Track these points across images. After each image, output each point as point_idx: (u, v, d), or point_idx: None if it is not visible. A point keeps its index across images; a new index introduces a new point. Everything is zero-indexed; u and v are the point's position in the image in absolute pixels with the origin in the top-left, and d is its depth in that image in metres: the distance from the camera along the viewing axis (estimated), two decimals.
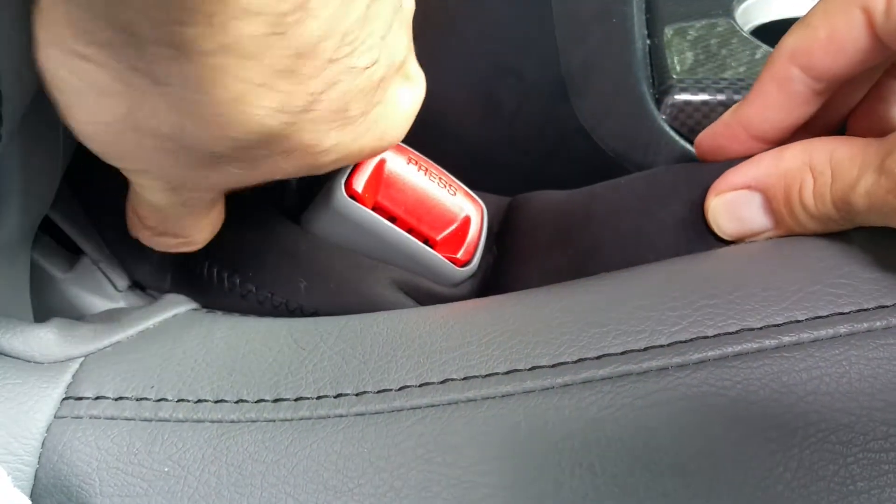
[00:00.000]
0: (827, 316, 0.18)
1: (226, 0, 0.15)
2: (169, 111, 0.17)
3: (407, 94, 0.22)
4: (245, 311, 0.25)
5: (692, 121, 0.31)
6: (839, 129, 0.25)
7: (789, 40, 0.22)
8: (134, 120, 0.18)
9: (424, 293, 0.26)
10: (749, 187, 0.22)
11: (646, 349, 0.18)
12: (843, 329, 0.18)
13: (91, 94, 0.17)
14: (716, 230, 0.23)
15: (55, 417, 0.20)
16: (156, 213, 0.23)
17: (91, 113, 0.18)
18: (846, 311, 0.18)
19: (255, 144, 0.18)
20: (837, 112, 0.24)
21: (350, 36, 0.18)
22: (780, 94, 0.23)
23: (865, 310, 0.18)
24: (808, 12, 0.22)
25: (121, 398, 0.20)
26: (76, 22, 0.16)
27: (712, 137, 0.25)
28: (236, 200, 0.25)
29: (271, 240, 0.25)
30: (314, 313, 0.24)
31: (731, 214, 0.22)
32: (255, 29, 0.16)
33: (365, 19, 0.18)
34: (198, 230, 0.23)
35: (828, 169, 0.20)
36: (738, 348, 0.18)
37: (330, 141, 0.20)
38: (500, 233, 0.29)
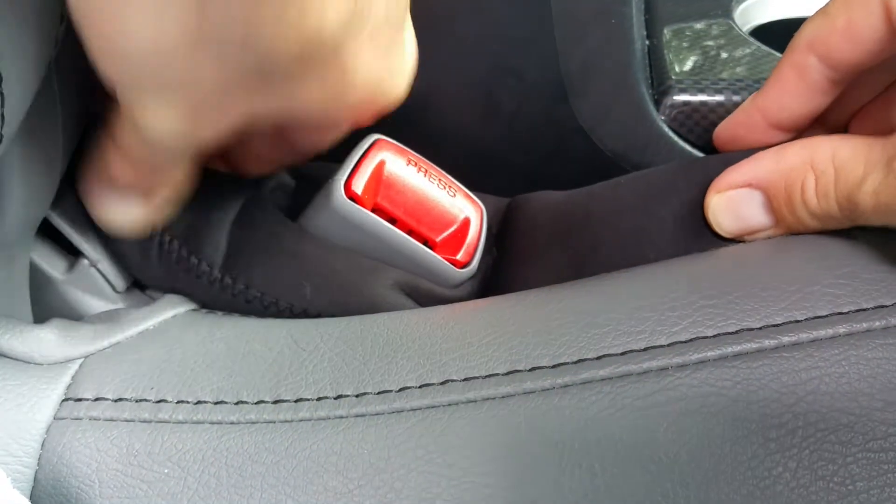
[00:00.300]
0: (826, 316, 0.18)
1: None
2: (243, 8, 0.17)
3: (410, 42, 0.23)
4: (249, 314, 0.25)
5: (691, 121, 0.31)
6: (845, 128, 0.25)
7: (808, 29, 0.22)
8: (202, 17, 0.17)
9: (425, 294, 0.26)
10: (750, 185, 0.22)
11: (646, 349, 0.18)
12: (842, 329, 0.18)
13: (159, 6, 0.17)
14: (716, 228, 0.23)
15: (54, 419, 0.20)
16: (136, 164, 0.22)
17: (154, 14, 0.17)
18: (845, 310, 0.18)
19: (312, 55, 0.18)
20: (848, 109, 0.24)
21: None
22: (797, 83, 0.23)
23: (864, 310, 0.18)
24: (829, 2, 0.22)
25: (120, 399, 0.20)
26: None
27: (732, 127, 0.25)
28: (237, 203, 0.25)
29: (273, 241, 0.25)
30: (317, 316, 0.24)
31: (731, 212, 0.23)
32: None
33: None
34: (172, 181, 0.22)
35: (830, 167, 0.20)
36: (737, 348, 0.18)
37: (361, 66, 0.20)
38: (500, 233, 0.29)
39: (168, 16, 0.17)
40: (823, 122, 0.24)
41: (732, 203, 0.22)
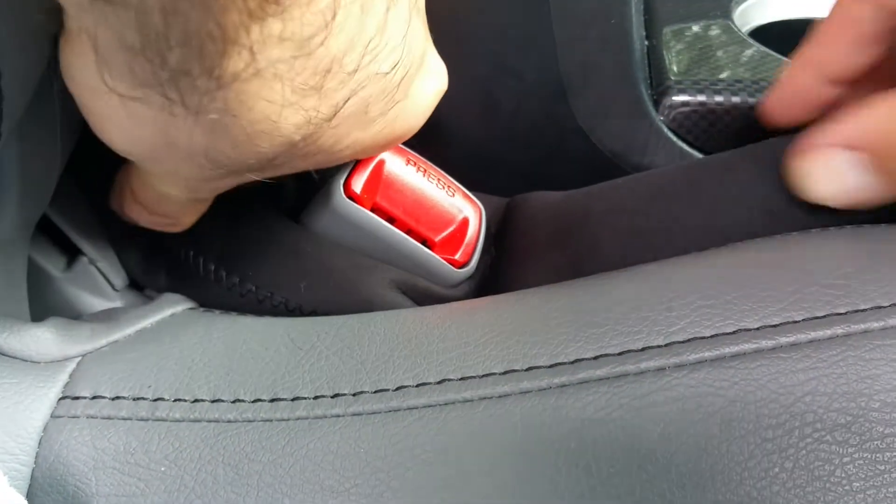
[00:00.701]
0: (823, 317, 0.18)
1: (263, 30, 0.15)
2: (203, 134, 0.18)
3: (429, 86, 0.23)
4: (243, 309, 0.25)
5: (690, 122, 0.31)
6: None
7: None
8: (169, 141, 0.18)
9: (423, 294, 0.26)
10: (850, 146, 0.20)
11: (643, 349, 0.18)
12: (839, 330, 0.18)
13: (128, 123, 0.18)
14: (811, 196, 0.20)
15: (52, 417, 0.20)
16: (158, 200, 0.23)
17: (127, 136, 0.19)
18: (842, 311, 0.18)
19: (280, 155, 0.19)
20: None
21: (371, 44, 0.18)
22: (851, 31, 0.21)
23: (862, 310, 0.18)
24: None
25: (118, 398, 0.20)
26: (116, 65, 0.16)
27: (780, 93, 0.23)
28: (236, 200, 0.25)
29: (270, 238, 0.25)
30: (313, 312, 0.24)
31: (831, 177, 0.20)
32: (283, 53, 0.16)
33: (384, 25, 0.18)
34: (191, 215, 0.24)
35: None
36: (735, 349, 0.18)
37: (349, 140, 0.20)
38: (499, 233, 0.29)
39: (138, 135, 0.18)
40: (875, 80, 0.22)
41: (831, 167, 0.20)
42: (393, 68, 0.19)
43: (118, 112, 0.18)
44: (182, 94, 0.16)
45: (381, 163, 0.25)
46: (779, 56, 0.36)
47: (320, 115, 0.18)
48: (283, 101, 0.17)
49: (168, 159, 0.19)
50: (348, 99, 0.19)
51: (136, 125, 0.18)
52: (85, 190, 0.26)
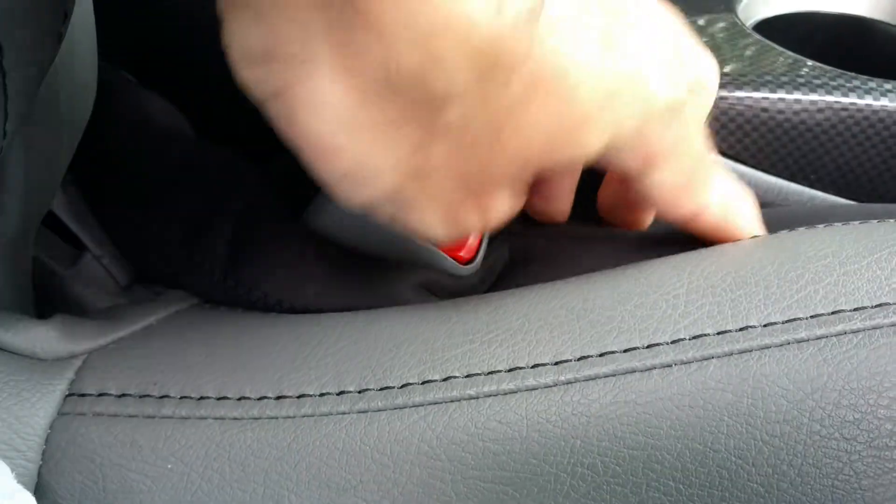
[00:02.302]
0: (830, 314, 0.18)
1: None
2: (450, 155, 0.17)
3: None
4: (249, 308, 0.25)
5: None
6: None
7: None
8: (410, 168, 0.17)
9: (440, 292, 0.26)
10: None
11: (649, 346, 0.18)
12: (847, 327, 0.18)
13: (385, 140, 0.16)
14: None
15: (58, 414, 0.20)
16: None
17: (365, 188, 0.17)
18: (848, 308, 0.18)
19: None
20: None
21: None
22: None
23: (868, 308, 0.18)
24: None
25: (124, 395, 0.20)
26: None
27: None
28: (239, 201, 0.25)
29: (277, 242, 0.25)
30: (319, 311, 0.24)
31: None
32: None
33: None
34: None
35: None
36: (742, 345, 0.18)
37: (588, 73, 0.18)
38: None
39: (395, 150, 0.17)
40: None
41: None
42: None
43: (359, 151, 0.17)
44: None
45: None
46: (783, 49, 0.36)
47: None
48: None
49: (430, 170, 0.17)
50: None
51: (378, 170, 0.17)
52: (89, 187, 0.26)
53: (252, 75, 0.16)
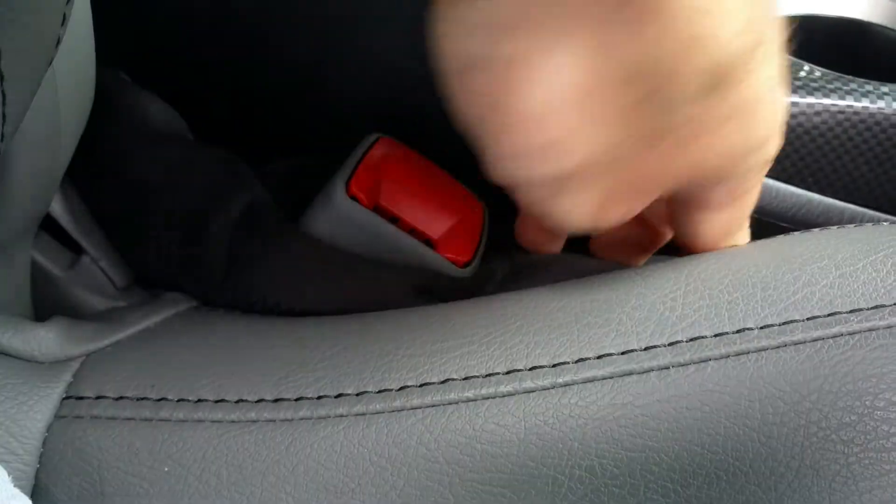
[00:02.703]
0: (826, 315, 0.18)
1: None
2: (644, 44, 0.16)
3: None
4: (247, 311, 0.25)
5: None
6: None
7: None
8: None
9: (436, 294, 0.26)
10: None
11: (646, 349, 0.18)
12: (844, 328, 0.18)
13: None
14: None
15: (56, 417, 0.20)
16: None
17: (550, 163, 0.18)
18: (844, 310, 0.18)
19: (720, 79, 0.17)
20: None
21: None
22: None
23: (864, 309, 0.18)
24: None
25: (121, 398, 0.20)
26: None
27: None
28: (238, 204, 0.25)
29: (274, 245, 0.25)
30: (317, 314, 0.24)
31: None
32: None
33: None
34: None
35: None
36: (739, 348, 0.18)
37: (767, 97, 0.19)
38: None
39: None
40: None
41: None
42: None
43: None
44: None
45: (383, 162, 0.25)
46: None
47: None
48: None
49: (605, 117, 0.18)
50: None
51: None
52: (87, 190, 0.26)
53: (476, 37, 0.17)
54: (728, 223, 0.22)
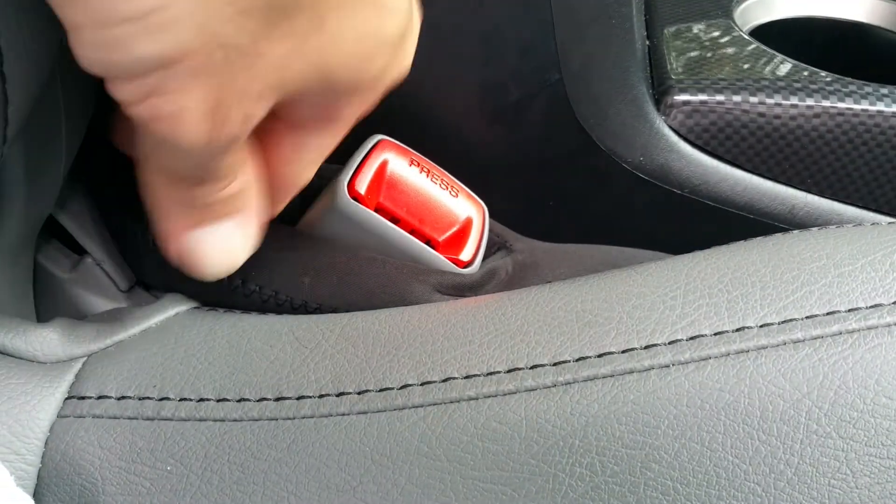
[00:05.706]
0: (826, 314, 0.18)
1: None
2: None
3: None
4: (246, 306, 0.25)
5: (691, 121, 0.31)
6: None
7: None
8: None
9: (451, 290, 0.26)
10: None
11: (647, 347, 0.18)
12: (843, 327, 0.18)
13: None
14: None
15: (58, 417, 0.20)
16: (179, 185, 0.19)
17: (151, 39, 0.15)
18: (843, 309, 0.18)
19: None
20: None
21: None
22: None
23: (863, 308, 0.18)
24: None
25: (123, 397, 0.20)
26: None
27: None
28: None
29: (271, 236, 0.25)
30: (318, 308, 0.24)
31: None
32: None
33: None
34: (247, 216, 0.21)
35: None
36: (738, 346, 0.18)
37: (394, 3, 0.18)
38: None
39: None
40: None
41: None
42: None
43: None
44: None
45: (385, 163, 0.25)
46: (779, 55, 0.36)
47: None
48: None
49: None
50: None
51: None
52: (90, 192, 0.26)
53: None
54: (320, 149, 0.20)
